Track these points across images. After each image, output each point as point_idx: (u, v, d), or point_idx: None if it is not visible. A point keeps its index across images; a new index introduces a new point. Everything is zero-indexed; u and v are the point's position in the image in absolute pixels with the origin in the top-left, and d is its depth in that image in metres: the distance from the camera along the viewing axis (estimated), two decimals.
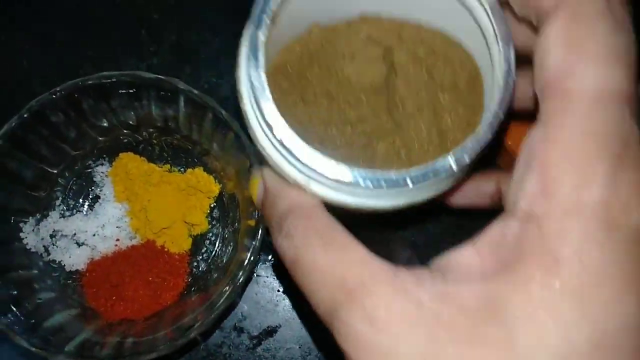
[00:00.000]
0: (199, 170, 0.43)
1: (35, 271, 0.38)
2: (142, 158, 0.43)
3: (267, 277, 0.44)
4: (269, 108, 0.24)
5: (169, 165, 0.44)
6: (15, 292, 0.36)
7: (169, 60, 0.49)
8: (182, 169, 0.43)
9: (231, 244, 0.42)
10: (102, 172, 0.43)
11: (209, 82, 0.48)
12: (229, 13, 0.51)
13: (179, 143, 0.44)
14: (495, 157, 0.45)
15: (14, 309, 0.35)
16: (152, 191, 0.42)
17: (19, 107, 0.45)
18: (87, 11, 0.50)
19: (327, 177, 0.23)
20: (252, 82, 0.24)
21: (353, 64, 0.31)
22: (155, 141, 0.43)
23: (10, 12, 0.49)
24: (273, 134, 0.23)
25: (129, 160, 0.43)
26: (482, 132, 0.24)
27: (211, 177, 0.43)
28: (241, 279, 0.36)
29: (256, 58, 0.25)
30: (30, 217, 0.39)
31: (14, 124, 0.37)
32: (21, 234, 0.38)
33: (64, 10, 0.50)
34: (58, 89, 0.37)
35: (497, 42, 0.26)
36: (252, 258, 0.36)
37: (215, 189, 0.43)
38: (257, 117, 0.26)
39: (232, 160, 0.41)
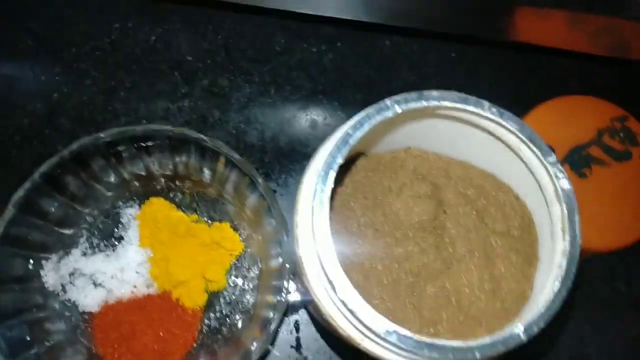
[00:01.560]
0: (225, 225, 0.43)
1: (50, 311, 0.38)
2: (171, 205, 0.43)
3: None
4: (334, 266, 0.23)
5: (196, 216, 0.43)
6: (28, 333, 0.35)
7: (200, 104, 0.49)
8: (209, 222, 0.43)
9: (248, 299, 0.41)
10: (130, 214, 0.42)
11: (236, 128, 0.48)
12: (261, 61, 0.50)
13: (210, 196, 0.43)
14: None
15: (26, 351, 0.34)
16: (176, 242, 0.42)
17: (46, 142, 0.46)
18: (122, 50, 0.50)
19: (391, 343, 0.22)
20: (315, 233, 0.24)
21: (400, 199, 0.30)
22: (187, 191, 0.43)
23: (45, 47, 0.50)
24: (335, 294, 0.23)
25: (159, 206, 0.42)
26: (551, 301, 0.24)
27: (237, 234, 0.43)
28: (274, 323, 0.35)
29: (322, 207, 0.25)
30: (54, 254, 0.39)
31: (52, 163, 0.36)
32: (42, 272, 0.38)
33: (99, 49, 0.50)
34: (102, 135, 0.37)
35: (561, 205, 0.26)
36: (282, 299, 0.35)
37: (239, 247, 0.42)
38: (315, 267, 0.25)
39: (261, 225, 0.40)
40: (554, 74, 0.52)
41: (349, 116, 0.49)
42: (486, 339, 0.23)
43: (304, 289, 0.32)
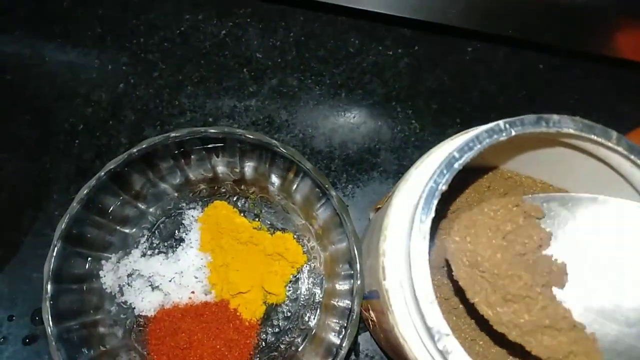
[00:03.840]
0: (288, 236, 0.40)
1: (106, 314, 0.36)
2: (235, 210, 0.41)
3: None
4: (434, 312, 0.21)
5: (259, 223, 0.41)
6: (85, 337, 0.34)
7: (267, 104, 0.46)
8: (272, 230, 0.41)
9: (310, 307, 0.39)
10: (192, 216, 0.40)
11: (304, 132, 0.46)
12: (333, 62, 0.48)
13: (276, 204, 0.41)
14: None
15: (82, 355, 0.33)
16: (238, 249, 0.40)
17: (109, 133, 0.44)
18: (191, 43, 0.48)
19: None
20: (413, 270, 0.21)
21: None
22: (252, 196, 0.41)
23: (112, 36, 0.48)
24: (434, 342, 0.20)
25: (222, 209, 0.40)
26: None
27: (300, 246, 0.40)
28: (343, 351, 0.32)
29: (423, 240, 0.22)
30: (113, 255, 0.38)
31: (120, 161, 0.35)
32: (100, 272, 0.37)
33: (168, 40, 0.48)
34: (173, 134, 0.35)
35: None
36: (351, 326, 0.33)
37: (302, 260, 0.40)
38: (408, 305, 0.23)
39: (330, 240, 0.38)
40: None
41: (423, 126, 0.47)
42: None
43: (379, 319, 0.29)
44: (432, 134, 0.46)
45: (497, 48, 0.49)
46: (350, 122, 0.46)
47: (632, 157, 0.25)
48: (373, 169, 0.45)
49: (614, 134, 0.25)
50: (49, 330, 0.31)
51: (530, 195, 0.29)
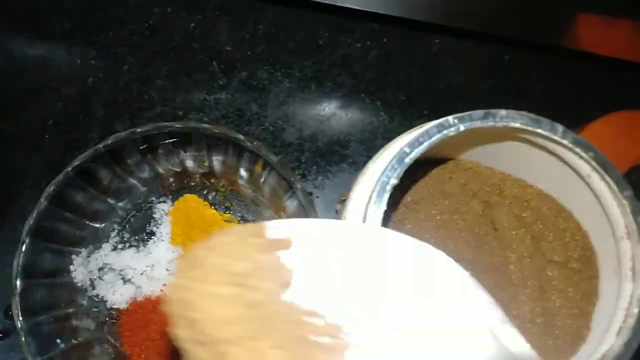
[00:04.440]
0: None
1: (78, 308, 0.37)
2: (205, 203, 0.41)
3: None
4: None
5: (229, 215, 0.42)
6: (57, 330, 0.35)
7: (237, 97, 0.47)
8: (242, 222, 0.42)
9: None
10: (163, 210, 0.41)
11: (274, 125, 0.46)
12: (302, 54, 0.48)
13: (245, 197, 0.42)
14: None
15: (54, 349, 0.34)
16: None
17: (79, 127, 0.44)
18: (160, 37, 0.48)
19: None
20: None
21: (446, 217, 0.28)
22: (222, 189, 0.42)
23: (81, 29, 0.48)
24: None
25: (192, 202, 0.41)
26: (618, 352, 0.22)
27: None
28: None
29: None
30: (84, 249, 0.38)
31: (87, 156, 0.35)
32: (71, 267, 0.37)
33: (136, 34, 0.48)
34: (139, 129, 0.35)
35: (632, 242, 0.24)
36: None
37: None
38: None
39: None
40: (615, 86, 0.49)
41: (391, 118, 0.47)
42: None
43: None
44: (400, 125, 0.47)
45: (464, 41, 0.49)
46: (320, 114, 0.47)
47: (577, 149, 0.26)
48: (343, 160, 0.46)
49: (560, 127, 0.26)
50: (18, 324, 0.32)
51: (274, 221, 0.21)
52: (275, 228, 0.20)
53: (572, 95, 0.49)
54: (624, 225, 0.26)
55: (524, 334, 0.26)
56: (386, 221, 0.28)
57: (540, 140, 0.28)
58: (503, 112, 0.26)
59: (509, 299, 0.28)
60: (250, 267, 0.19)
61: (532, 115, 0.26)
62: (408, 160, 0.25)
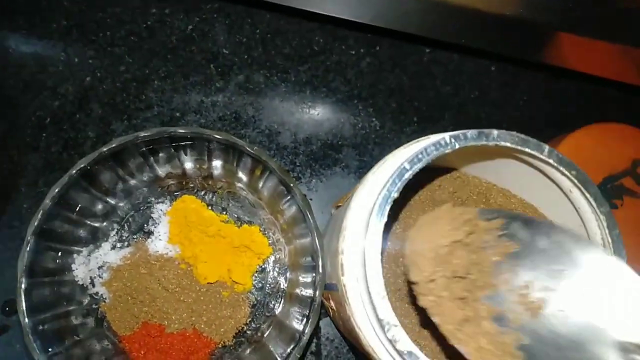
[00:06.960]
0: (255, 229, 0.43)
1: (79, 305, 0.38)
2: (203, 204, 0.43)
3: None
4: (385, 307, 0.23)
5: (226, 216, 0.43)
6: (59, 327, 0.36)
7: (234, 100, 0.48)
8: (239, 223, 0.43)
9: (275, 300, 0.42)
10: (161, 210, 0.42)
11: (270, 128, 0.48)
12: (298, 60, 0.50)
13: (243, 199, 0.43)
14: None
15: (57, 346, 0.35)
16: (206, 241, 0.42)
17: (76, 126, 0.45)
18: (158, 38, 0.49)
19: None
20: (367, 267, 0.24)
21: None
22: (220, 191, 0.43)
23: (79, 28, 0.48)
24: (384, 332, 0.23)
25: (190, 203, 0.42)
26: None
27: (265, 238, 0.43)
28: (305, 337, 0.35)
29: (376, 241, 0.25)
30: (84, 248, 0.39)
31: (91, 159, 0.36)
32: (72, 265, 0.38)
33: (134, 34, 0.49)
34: (142, 134, 0.36)
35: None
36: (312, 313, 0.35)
37: (267, 251, 0.42)
38: (362, 298, 0.26)
39: (294, 234, 0.40)
40: (593, 101, 0.52)
41: (383, 124, 0.49)
42: None
43: (338, 308, 0.32)
44: (391, 131, 0.49)
45: (453, 52, 0.52)
46: (315, 118, 0.49)
47: (561, 168, 0.28)
48: (335, 164, 0.48)
49: (546, 147, 0.28)
50: (24, 322, 0.33)
51: (488, 209, 0.30)
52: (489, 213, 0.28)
53: (553, 108, 0.51)
54: (601, 237, 0.28)
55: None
56: (390, 224, 0.30)
57: (527, 158, 0.30)
58: (495, 132, 0.28)
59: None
60: (476, 231, 0.27)
61: (522, 136, 0.28)
62: (407, 175, 0.27)
